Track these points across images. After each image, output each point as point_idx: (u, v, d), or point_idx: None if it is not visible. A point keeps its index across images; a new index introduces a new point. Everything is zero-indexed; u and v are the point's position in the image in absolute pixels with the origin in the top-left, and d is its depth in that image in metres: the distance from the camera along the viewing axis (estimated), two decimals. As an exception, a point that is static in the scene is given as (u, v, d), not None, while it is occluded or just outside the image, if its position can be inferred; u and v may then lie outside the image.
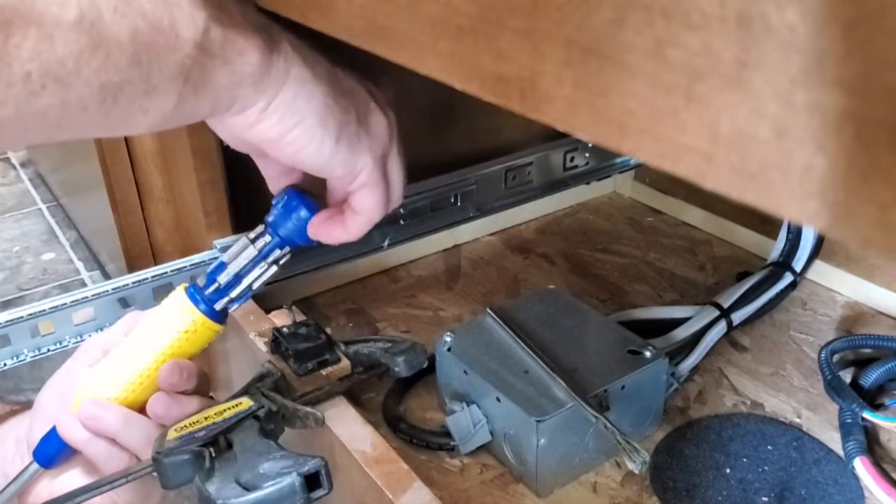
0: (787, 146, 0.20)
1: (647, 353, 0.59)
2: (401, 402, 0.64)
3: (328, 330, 0.65)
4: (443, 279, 0.82)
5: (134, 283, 0.66)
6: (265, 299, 0.69)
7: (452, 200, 0.82)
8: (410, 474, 0.51)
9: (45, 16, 0.33)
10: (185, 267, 0.68)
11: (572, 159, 0.90)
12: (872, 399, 0.62)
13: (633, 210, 0.94)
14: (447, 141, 0.86)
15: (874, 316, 0.73)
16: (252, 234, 0.51)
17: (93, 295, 0.65)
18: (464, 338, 0.62)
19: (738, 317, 0.69)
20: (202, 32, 0.38)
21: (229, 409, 0.49)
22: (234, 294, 0.51)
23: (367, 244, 0.77)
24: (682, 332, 0.67)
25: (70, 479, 0.51)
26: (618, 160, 0.93)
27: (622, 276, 0.81)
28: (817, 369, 0.63)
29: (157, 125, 0.39)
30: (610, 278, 0.81)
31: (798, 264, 0.74)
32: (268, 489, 0.42)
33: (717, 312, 0.68)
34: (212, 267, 0.51)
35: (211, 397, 0.53)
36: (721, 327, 0.68)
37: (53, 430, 0.50)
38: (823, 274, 0.77)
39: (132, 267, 0.88)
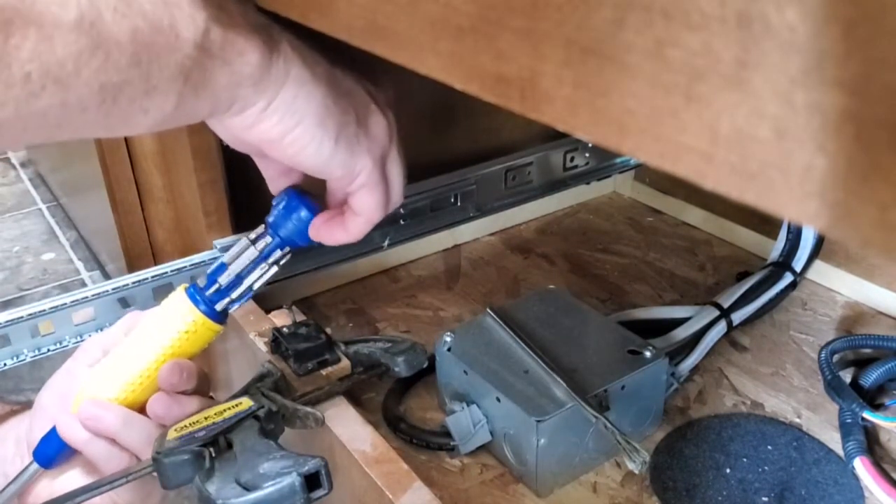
0: (787, 146, 0.20)
1: (647, 353, 0.59)
2: (401, 402, 0.64)
3: (328, 330, 0.65)
4: (443, 279, 0.82)
5: (134, 283, 0.66)
6: (265, 299, 0.69)
7: (452, 200, 0.82)
8: (410, 474, 0.51)
9: (45, 16, 0.33)
10: (185, 267, 0.68)
11: (572, 159, 0.90)
12: (872, 399, 0.62)
13: (633, 210, 0.94)
14: (447, 141, 0.86)
15: (874, 316, 0.73)
16: (252, 235, 0.51)
17: (93, 295, 0.65)
18: (464, 338, 0.62)
19: (738, 317, 0.69)
20: (202, 33, 0.38)
21: (229, 409, 0.49)
22: (234, 295, 0.51)
23: (367, 244, 0.77)
24: (682, 332, 0.67)
25: (70, 479, 0.51)
26: (618, 160, 0.93)
27: (622, 276, 0.81)
28: (817, 369, 0.63)
29: (157, 125, 0.39)
30: (610, 278, 0.81)
31: (798, 264, 0.74)
32: (268, 489, 0.42)
33: (717, 312, 0.68)
34: (212, 268, 0.51)
35: (211, 397, 0.53)
36: (721, 327, 0.68)
37: (53, 431, 0.50)
38: (823, 274, 0.77)
39: (132, 267, 0.88)
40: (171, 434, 0.47)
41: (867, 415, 0.57)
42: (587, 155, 0.91)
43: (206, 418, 0.48)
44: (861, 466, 0.55)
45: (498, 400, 0.56)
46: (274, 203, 0.51)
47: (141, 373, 0.50)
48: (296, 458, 0.44)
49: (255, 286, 0.51)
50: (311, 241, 0.51)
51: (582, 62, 0.25)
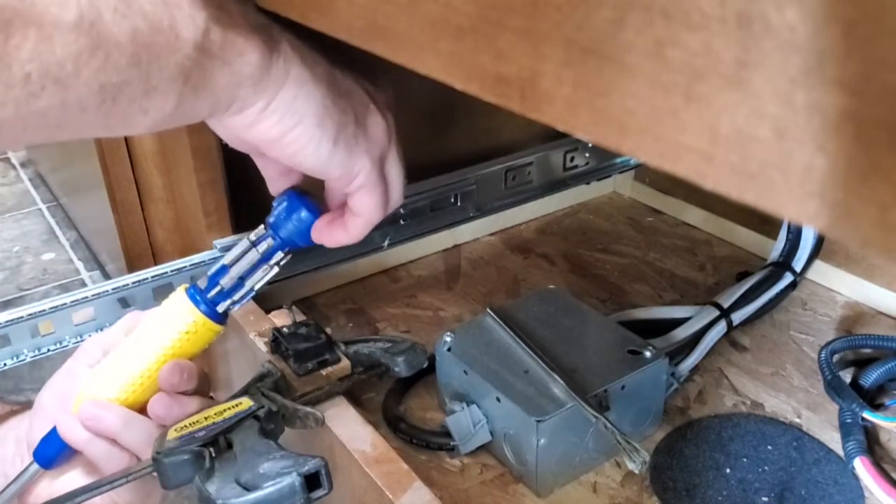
0: (787, 146, 0.20)
1: (647, 353, 0.59)
2: (401, 402, 0.64)
3: (328, 330, 0.65)
4: (443, 279, 0.82)
5: (134, 283, 0.66)
6: (265, 299, 0.69)
7: (452, 200, 0.82)
8: (410, 474, 0.51)
9: (45, 17, 0.33)
10: (185, 267, 0.68)
11: (572, 159, 0.90)
12: (872, 399, 0.62)
13: (633, 210, 0.94)
14: (447, 141, 0.86)
15: (874, 316, 0.73)
16: (253, 237, 0.51)
17: (93, 295, 0.65)
18: (464, 338, 0.62)
19: (738, 317, 0.69)
20: (202, 33, 0.38)
21: (229, 409, 0.49)
22: (236, 297, 0.51)
23: (367, 244, 0.77)
24: (682, 332, 0.67)
25: (70, 479, 0.51)
26: (618, 160, 0.93)
27: (622, 276, 0.81)
28: (817, 369, 0.63)
29: (157, 125, 0.39)
30: (610, 278, 0.81)
31: (798, 264, 0.74)
32: (268, 489, 0.42)
33: (717, 312, 0.68)
34: (213, 269, 0.51)
35: (211, 397, 0.53)
36: (721, 327, 0.68)
37: (54, 431, 0.50)
38: (823, 274, 0.77)
39: (132, 267, 0.88)
40: (171, 434, 0.47)
41: (867, 415, 0.57)
42: (587, 155, 0.91)
43: (206, 418, 0.48)
44: (861, 466, 0.55)
45: (498, 400, 0.56)
46: (274, 204, 0.51)
47: (141, 373, 0.50)
48: (296, 458, 0.44)
49: (256, 287, 0.51)
50: (311, 241, 0.51)
51: (582, 62, 0.25)
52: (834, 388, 0.60)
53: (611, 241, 0.87)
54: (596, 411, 0.53)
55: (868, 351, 0.66)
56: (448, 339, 0.61)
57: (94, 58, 0.34)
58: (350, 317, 0.76)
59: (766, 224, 0.81)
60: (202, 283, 0.51)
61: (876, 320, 0.72)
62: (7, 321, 0.62)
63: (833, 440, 0.59)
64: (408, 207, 0.79)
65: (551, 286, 0.69)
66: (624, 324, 0.64)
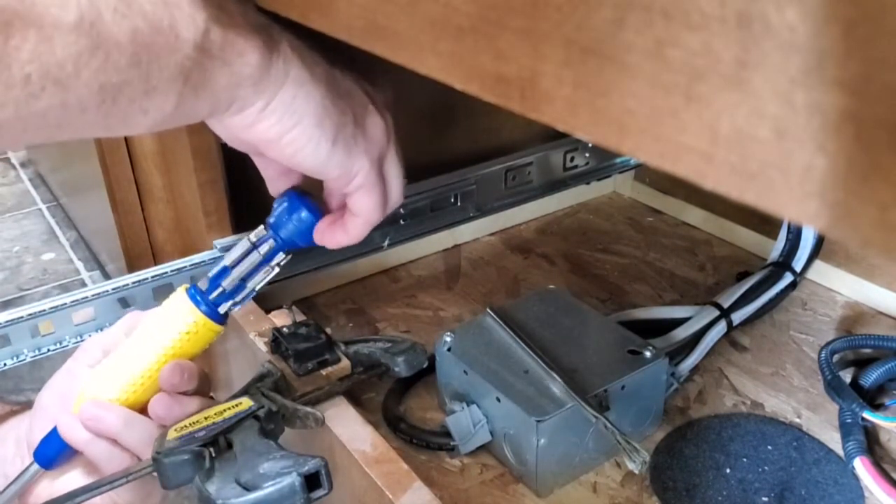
0: (787, 146, 0.20)
1: (647, 353, 0.59)
2: (401, 402, 0.64)
3: (328, 330, 0.65)
4: (443, 279, 0.82)
5: (134, 283, 0.66)
6: (265, 299, 0.69)
7: (452, 200, 0.82)
8: (410, 474, 0.51)
9: (45, 17, 0.33)
10: (185, 267, 0.68)
11: (572, 159, 0.90)
12: (872, 399, 0.62)
13: (633, 210, 0.94)
14: (447, 141, 0.86)
15: (874, 316, 0.73)
16: (254, 238, 0.51)
17: (93, 295, 0.65)
18: (464, 338, 0.62)
19: (738, 317, 0.69)
20: (202, 33, 0.38)
21: (229, 409, 0.49)
22: (238, 298, 0.51)
23: (367, 244, 0.77)
24: (682, 332, 0.67)
25: (71, 479, 0.51)
26: (618, 160, 0.93)
27: (622, 276, 0.81)
28: (817, 369, 0.63)
29: (157, 125, 0.39)
30: (610, 278, 0.81)
31: (798, 264, 0.74)
32: (268, 489, 0.42)
33: (717, 312, 0.68)
34: (215, 271, 0.51)
35: (211, 397, 0.53)
36: (721, 327, 0.68)
37: (54, 431, 0.50)
38: (823, 274, 0.77)
39: (132, 267, 0.88)
40: (171, 434, 0.47)
41: (867, 415, 0.57)
42: (587, 155, 0.91)
43: (206, 418, 0.48)
44: (861, 466, 0.55)
45: (498, 400, 0.56)
46: (275, 204, 0.51)
47: (142, 373, 0.50)
48: (296, 458, 0.44)
49: (257, 288, 0.52)
50: (312, 242, 0.51)
51: (582, 62, 0.25)
52: (834, 388, 0.60)
53: (611, 241, 0.87)
54: (596, 411, 0.53)
55: (868, 351, 0.66)
56: (448, 339, 0.61)
57: (94, 58, 0.34)
58: (350, 317, 0.76)
59: (766, 224, 0.81)
60: (203, 285, 0.51)
61: (876, 320, 0.72)
62: (7, 321, 0.62)
63: (833, 440, 0.59)
64: (408, 207, 0.79)
65: (551, 286, 0.69)
66: (624, 324, 0.64)
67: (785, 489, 0.55)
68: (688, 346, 0.66)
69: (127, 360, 0.51)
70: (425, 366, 0.60)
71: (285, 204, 0.51)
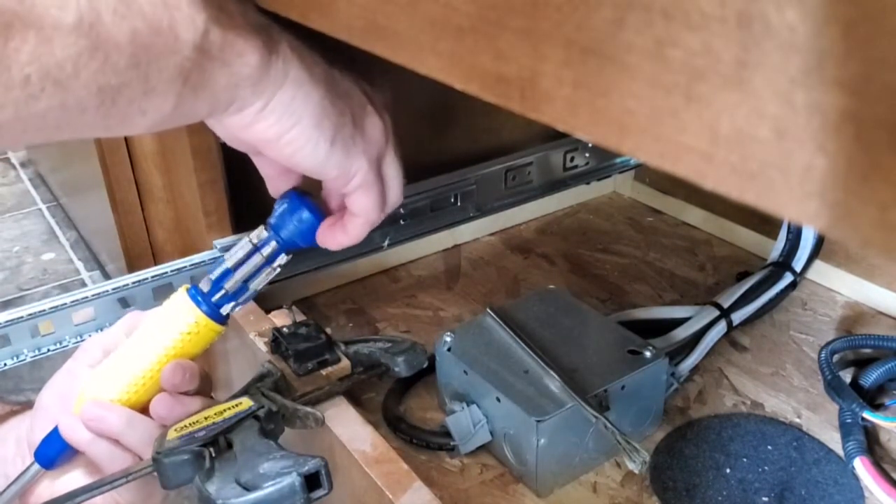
0: (787, 146, 0.20)
1: (647, 353, 0.59)
2: (401, 402, 0.64)
3: (328, 330, 0.65)
4: (443, 279, 0.82)
5: (134, 283, 0.66)
6: (265, 299, 0.69)
7: (452, 200, 0.82)
8: (410, 474, 0.51)
9: (45, 19, 0.33)
10: (185, 267, 0.68)
11: (572, 159, 0.90)
12: (872, 399, 0.62)
13: (633, 210, 0.94)
14: (447, 141, 0.86)
15: (874, 316, 0.73)
16: (255, 239, 0.51)
17: (93, 295, 0.65)
18: (464, 338, 0.62)
19: (738, 317, 0.69)
20: (201, 34, 0.38)
21: (229, 409, 0.49)
22: (240, 299, 0.51)
23: (367, 244, 0.77)
24: (682, 332, 0.67)
25: (72, 479, 0.51)
26: (618, 160, 0.93)
27: (622, 276, 0.81)
28: (817, 369, 0.63)
29: (156, 126, 0.39)
30: (610, 278, 0.81)
31: (798, 264, 0.74)
32: (268, 489, 0.42)
33: (717, 312, 0.68)
34: (217, 274, 0.51)
35: (211, 397, 0.53)
36: (721, 327, 0.68)
37: (55, 431, 0.50)
38: (823, 274, 0.77)
39: (132, 267, 0.88)
40: (171, 434, 0.47)
41: (867, 415, 0.57)
42: (587, 155, 0.91)
43: (206, 418, 0.48)
44: (861, 466, 0.55)
45: (498, 400, 0.56)
46: (276, 205, 0.51)
47: (143, 373, 0.50)
48: (296, 458, 0.44)
49: (259, 289, 0.52)
50: (313, 242, 0.51)
51: (582, 62, 0.25)
52: (834, 388, 0.60)
53: (611, 241, 0.87)
54: (596, 411, 0.53)
55: (868, 351, 0.66)
56: (448, 339, 0.61)
57: (94, 59, 0.34)
58: (350, 317, 0.76)
59: (766, 224, 0.81)
60: (205, 287, 0.51)
61: (876, 320, 0.72)
62: (7, 321, 0.62)
63: (833, 440, 0.59)
64: (408, 207, 0.79)
65: (551, 286, 0.69)
66: (624, 324, 0.64)
67: (785, 489, 0.55)
68: (688, 346, 0.66)
69: (128, 360, 0.51)
70: (425, 366, 0.60)
71: (286, 205, 0.51)
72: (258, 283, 0.51)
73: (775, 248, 0.76)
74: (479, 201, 0.84)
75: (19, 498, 0.51)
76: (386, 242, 0.78)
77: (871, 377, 0.62)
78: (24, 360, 0.64)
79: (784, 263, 0.74)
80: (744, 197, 0.22)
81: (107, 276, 1.19)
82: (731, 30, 0.20)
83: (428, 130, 0.84)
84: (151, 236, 0.87)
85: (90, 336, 0.59)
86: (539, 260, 0.85)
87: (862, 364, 0.64)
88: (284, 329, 0.61)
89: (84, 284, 1.25)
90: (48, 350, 0.64)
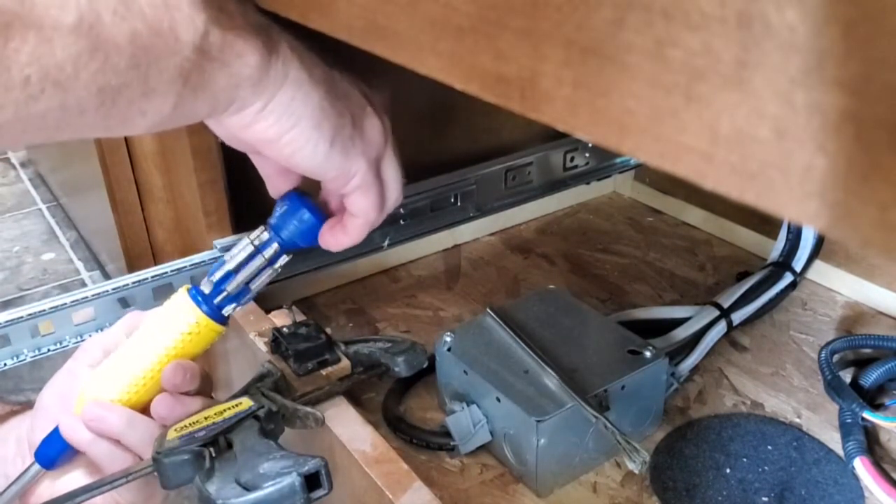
0: (787, 146, 0.20)
1: (647, 353, 0.59)
2: (401, 402, 0.64)
3: (328, 330, 0.65)
4: (443, 279, 0.82)
5: (134, 283, 0.66)
6: (265, 299, 0.69)
7: (452, 200, 0.82)
8: (410, 474, 0.51)
9: (45, 19, 0.33)
10: (185, 267, 0.68)
11: (572, 159, 0.90)
12: (872, 399, 0.62)
13: (633, 210, 0.94)
14: (447, 141, 0.86)
15: (874, 316, 0.73)
16: (256, 241, 0.51)
17: (93, 295, 0.65)
18: (464, 338, 0.62)
19: (738, 317, 0.69)
20: (201, 35, 0.38)
21: (229, 409, 0.49)
22: (242, 301, 0.51)
23: (367, 244, 0.77)
24: (682, 332, 0.67)
25: (72, 479, 0.51)
26: (618, 160, 0.93)
27: (622, 276, 0.81)
28: (817, 369, 0.63)
29: (156, 126, 0.39)
30: (610, 278, 0.81)
31: (798, 264, 0.74)
32: (268, 489, 0.42)
33: (717, 312, 0.68)
34: (219, 276, 0.51)
35: (211, 397, 0.53)
36: (721, 327, 0.68)
37: (55, 431, 0.50)
38: (823, 274, 0.77)
39: (132, 267, 0.88)
40: (171, 434, 0.47)
41: (867, 415, 0.57)
42: (587, 155, 0.91)
43: (206, 418, 0.48)
44: (861, 466, 0.55)
45: (498, 400, 0.56)
46: (276, 206, 0.51)
47: (144, 374, 0.50)
48: (296, 458, 0.44)
49: (259, 289, 0.52)
50: (313, 243, 0.51)
51: (582, 62, 0.25)
52: (834, 388, 0.60)
53: (611, 241, 0.87)
54: (596, 411, 0.53)
55: (868, 351, 0.66)
56: (448, 339, 0.61)
57: (94, 60, 0.34)
58: (350, 317, 0.76)
59: (766, 224, 0.81)
60: (206, 288, 0.51)
61: (876, 320, 0.72)
62: (7, 321, 0.62)
63: (833, 440, 0.59)
64: (408, 207, 0.79)
65: (551, 286, 0.69)
66: (624, 324, 0.64)
67: (785, 489, 0.55)
68: (688, 346, 0.66)
69: (128, 360, 0.51)
70: (425, 366, 0.60)
71: (287, 205, 0.51)
72: (259, 284, 0.51)
73: (775, 248, 0.76)
74: (479, 201, 0.84)
75: (20, 498, 0.51)
76: (386, 242, 0.78)
77: (871, 377, 0.62)
78: (24, 360, 0.64)
79: (784, 263, 0.74)
80: (744, 197, 0.22)
81: (107, 276, 1.19)
82: (731, 30, 0.20)
83: (428, 130, 0.84)
84: (151, 236, 0.87)
85: (90, 336, 0.59)
86: (539, 260, 0.85)
87: (862, 364, 0.64)
88: (284, 329, 0.61)
89: (84, 284, 1.25)
90: (48, 350, 0.64)
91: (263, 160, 0.50)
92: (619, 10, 0.23)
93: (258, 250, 0.50)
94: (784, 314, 0.73)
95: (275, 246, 0.50)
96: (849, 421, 0.58)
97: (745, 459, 0.58)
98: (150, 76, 0.36)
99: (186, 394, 0.51)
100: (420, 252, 0.84)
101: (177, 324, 0.50)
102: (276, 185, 0.51)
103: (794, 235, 0.75)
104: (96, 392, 0.50)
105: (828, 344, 0.64)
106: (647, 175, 0.94)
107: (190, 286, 0.52)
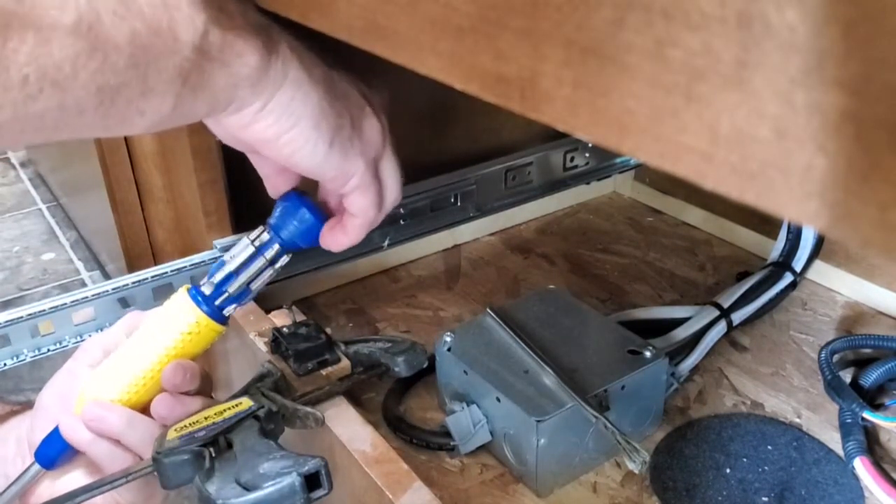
0: (787, 146, 0.20)
1: (647, 353, 0.59)
2: (401, 402, 0.64)
3: (328, 330, 0.65)
4: (443, 279, 0.82)
5: (134, 283, 0.66)
6: (265, 299, 0.69)
7: (452, 200, 0.82)
8: (410, 474, 0.51)
9: (43, 19, 0.33)
10: (185, 267, 0.68)
11: (572, 159, 0.90)
12: (872, 399, 0.62)
13: (633, 210, 0.94)
14: (447, 141, 0.86)
15: (874, 316, 0.73)
16: (257, 241, 0.51)
17: (93, 295, 0.65)
18: (464, 338, 0.62)
19: (738, 317, 0.69)
20: (201, 35, 0.38)
21: (229, 409, 0.49)
22: (242, 302, 0.51)
23: (367, 244, 0.77)
24: (682, 332, 0.67)
25: (72, 479, 0.51)
26: (618, 160, 0.93)
27: (622, 276, 0.81)
28: (817, 369, 0.63)
29: (155, 126, 0.39)
30: (610, 278, 0.81)
31: (798, 264, 0.74)
32: (268, 489, 0.42)
33: (717, 312, 0.68)
34: (220, 278, 0.51)
35: (211, 397, 0.53)
36: (721, 327, 0.68)
37: (55, 431, 0.50)
38: (823, 274, 0.77)
39: (132, 267, 0.88)
40: (171, 434, 0.47)
41: (867, 415, 0.57)
42: (587, 155, 0.91)
43: (206, 418, 0.48)
44: (861, 466, 0.55)
45: (498, 400, 0.56)
46: (276, 206, 0.51)
47: (144, 374, 0.50)
48: (296, 458, 0.44)
49: (259, 289, 0.52)
50: (313, 243, 0.51)
51: (582, 62, 0.25)
52: (834, 388, 0.60)
53: (611, 241, 0.87)
54: (596, 411, 0.53)
55: (868, 351, 0.66)
56: (448, 339, 0.61)
57: (92, 60, 0.34)
58: (350, 317, 0.76)
59: (766, 224, 0.81)
60: (207, 290, 0.51)
61: (876, 320, 0.72)
62: (7, 321, 0.62)
63: (833, 440, 0.59)
64: (408, 207, 0.79)
65: (551, 286, 0.69)
66: (624, 324, 0.64)
67: (785, 489, 0.55)
68: (688, 346, 0.66)
69: (128, 360, 0.51)
70: (425, 366, 0.60)
71: (286, 205, 0.51)
72: (260, 285, 0.51)
73: (775, 248, 0.76)
74: (479, 201, 0.84)
75: (19, 498, 0.51)
76: (386, 242, 0.78)
77: (871, 377, 0.62)
78: (24, 360, 0.64)
79: (784, 263, 0.74)
80: (744, 197, 0.22)
81: (107, 276, 1.19)
82: (731, 30, 0.20)
83: (428, 130, 0.84)
84: (151, 236, 0.87)
85: (90, 336, 0.59)
86: (539, 260, 0.85)
87: (862, 364, 0.64)
88: (284, 329, 0.61)
89: (84, 284, 1.25)
90: (48, 350, 0.64)
91: (262, 160, 0.50)
92: (619, 10, 0.23)
93: (259, 251, 0.50)
94: (784, 314, 0.73)
95: (276, 247, 0.50)
96: (849, 421, 0.58)
97: (745, 459, 0.58)
98: (149, 76, 0.36)
99: (186, 394, 0.51)
100: (420, 252, 0.84)
101: (177, 324, 0.50)
102: (274, 185, 0.51)
103: (794, 235, 0.75)
104: (96, 392, 0.50)
105: (828, 344, 0.64)
106: (647, 175, 0.94)
107: (190, 286, 0.52)
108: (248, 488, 0.42)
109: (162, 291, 0.67)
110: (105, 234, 0.97)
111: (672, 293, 0.78)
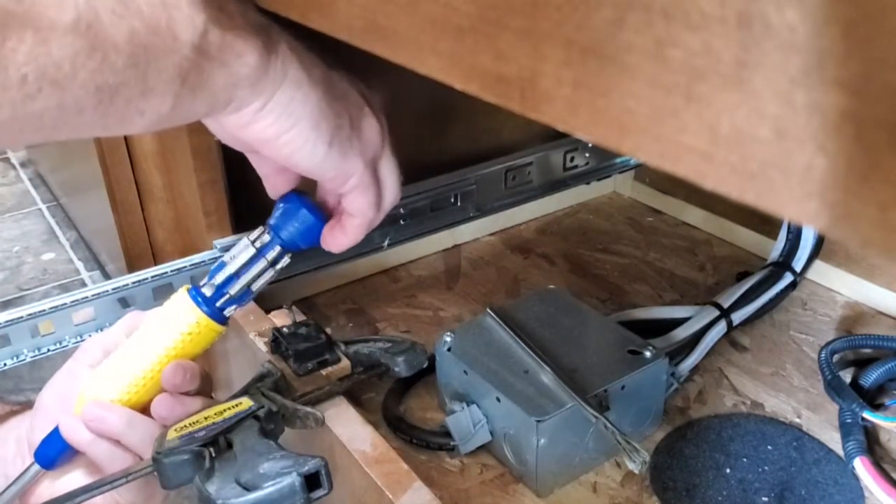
0: (787, 146, 0.20)
1: (647, 353, 0.59)
2: (401, 402, 0.64)
3: (328, 330, 0.65)
4: (443, 279, 0.82)
5: (134, 283, 0.66)
6: (265, 299, 0.69)
7: (452, 200, 0.82)
8: (410, 474, 0.51)
9: (42, 19, 0.33)
10: (185, 267, 0.68)
11: (572, 159, 0.90)
12: (872, 399, 0.62)
13: (633, 210, 0.94)
14: (447, 141, 0.86)
15: (874, 316, 0.73)
16: (257, 242, 0.51)
17: (93, 295, 0.65)
18: (464, 338, 0.62)
19: (738, 317, 0.69)
20: (200, 35, 0.38)
21: (229, 409, 0.49)
22: (243, 302, 0.51)
23: (367, 244, 0.77)
24: (682, 332, 0.67)
25: (72, 480, 0.51)
26: (618, 160, 0.93)
27: (622, 276, 0.81)
28: (817, 369, 0.63)
29: (154, 125, 0.39)
30: (610, 278, 0.81)
31: (798, 264, 0.74)
32: (268, 489, 0.42)
33: (717, 312, 0.68)
34: (221, 280, 0.51)
35: (211, 397, 0.53)
36: (721, 327, 0.68)
37: (55, 431, 0.50)
38: (823, 274, 0.77)
39: (132, 267, 0.88)
40: (171, 434, 0.47)
41: (867, 415, 0.57)
42: (587, 155, 0.91)
43: (205, 418, 0.48)
44: (861, 466, 0.55)
45: (498, 400, 0.56)
46: (276, 206, 0.51)
47: (144, 374, 0.50)
48: (296, 458, 0.44)
49: (260, 290, 0.52)
50: (313, 243, 0.51)
51: (582, 62, 0.25)
52: (834, 388, 0.60)
53: (611, 241, 0.87)
54: (596, 411, 0.53)
55: (868, 351, 0.66)
56: (448, 339, 0.61)
57: (91, 59, 0.34)
58: (350, 317, 0.76)
59: (766, 224, 0.81)
60: (208, 291, 0.51)
61: (876, 320, 0.72)
62: (7, 321, 0.62)
63: (833, 440, 0.59)
64: (408, 207, 0.79)
65: (551, 286, 0.69)
66: (624, 324, 0.64)
67: (785, 489, 0.55)
68: (688, 346, 0.66)
69: (128, 360, 0.51)
70: (425, 366, 0.60)
71: (286, 206, 0.51)
72: (260, 286, 0.51)
73: (775, 248, 0.76)
74: (479, 201, 0.84)
75: (19, 498, 0.51)
76: (386, 242, 0.78)
77: (871, 377, 0.62)
78: (24, 360, 0.64)
79: (784, 263, 0.74)
80: (744, 197, 0.22)
81: (107, 276, 1.19)
82: (731, 30, 0.20)
83: (428, 130, 0.84)
84: (151, 236, 0.87)
85: (90, 336, 0.59)
86: (539, 260, 0.85)
87: (862, 364, 0.64)
88: (284, 329, 0.61)
89: (84, 284, 1.25)
90: (48, 350, 0.64)
91: (261, 160, 0.50)
92: (619, 10, 0.23)
93: (260, 253, 0.50)
94: (784, 314, 0.73)
95: (277, 248, 0.50)
96: (849, 421, 0.58)
97: (745, 459, 0.58)
98: (149, 75, 0.36)
99: (186, 394, 0.51)
100: (420, 252, 0.84)
101: (177, 324, 0.50)
102: (274, 185, 0.51)
103: (794, 235, 0.75)
104: (96, 392, 0.50)
105: (828, 344, 0.64)
106: (647, 175, 0.94)
107: (190, 286, 0.52)
108: (248, 488, 0.42)
109: (162, 291, 0.67)
110: (105, 234, 0.97)
111: (672, 293, 0.78)
